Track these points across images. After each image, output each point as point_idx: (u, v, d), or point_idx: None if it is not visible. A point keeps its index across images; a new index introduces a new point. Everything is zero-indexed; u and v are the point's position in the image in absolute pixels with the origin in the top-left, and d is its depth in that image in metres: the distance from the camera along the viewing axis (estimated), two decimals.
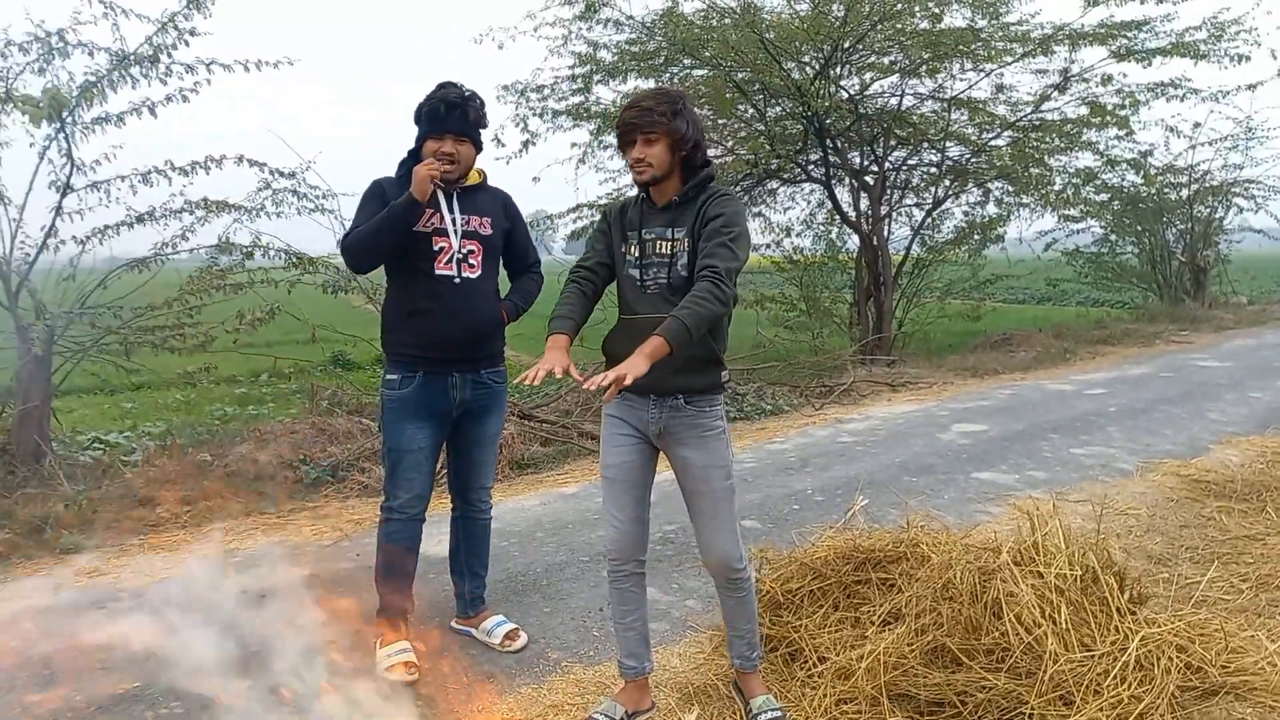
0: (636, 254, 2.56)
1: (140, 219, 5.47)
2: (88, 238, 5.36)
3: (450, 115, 3.00)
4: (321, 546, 4.34)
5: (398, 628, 3.13)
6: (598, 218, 2.76)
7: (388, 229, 2.92)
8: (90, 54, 5.01)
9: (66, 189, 5.17)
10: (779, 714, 2.62)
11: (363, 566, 3.84)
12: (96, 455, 5.70)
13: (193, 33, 5.14)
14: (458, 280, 3.04)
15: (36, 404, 5.18)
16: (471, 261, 3.08)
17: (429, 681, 2.94)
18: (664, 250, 2.53)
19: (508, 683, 2.98)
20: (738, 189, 11.03)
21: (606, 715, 2.65)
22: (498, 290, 3.22)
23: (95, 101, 5.01)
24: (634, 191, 2.70)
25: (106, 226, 5.41)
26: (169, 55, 5.13)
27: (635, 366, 2.21)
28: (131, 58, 5.06)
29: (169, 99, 5.26)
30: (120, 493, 4.97)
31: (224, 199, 5.67)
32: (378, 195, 3.05)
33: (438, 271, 3.03)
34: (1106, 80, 10.00)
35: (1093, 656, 2.49)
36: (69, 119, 5.01)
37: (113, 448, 5.99)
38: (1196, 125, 13.64)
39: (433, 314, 3.03)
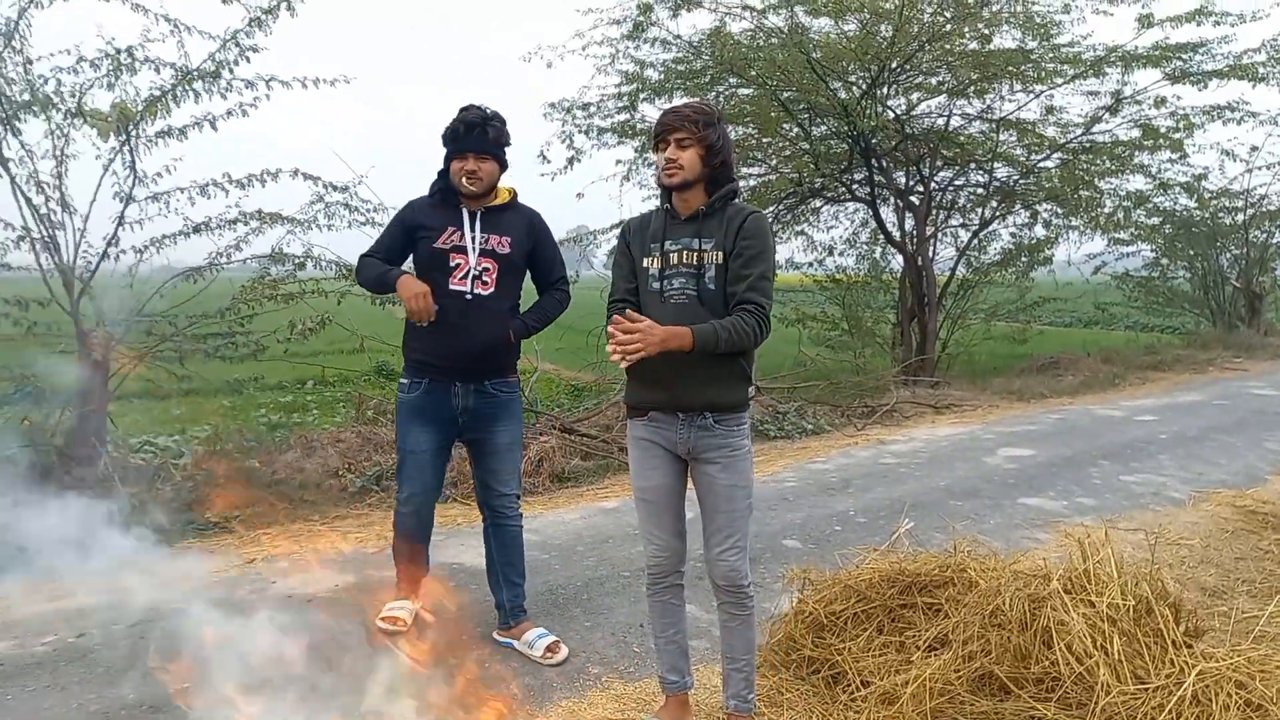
0: (659, 266, 2.54)
1: (197, 229, 5.60)
2: (146, 247, 5.51)
3: (470, 135, 3.16)
4: (366, 555, 4.39)
5: (405, 590, 3.50)
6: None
7: (378, 285, 3.32)
8: (156, 70, 5.17)
9: (129, 200, 5.32)
10: None
11: None
12: (147, 458, 5.83)
13: (254, 49, 5.28)
14: (469, 296, 3.19)
15: (94, 408, 5.32)
16: (486, 279, 3.21)
17: (472, 692, 2.96)
18: (689, 260, 2.51)
19: (549, 696, 2.98)
20: (780, 207, 11.03)
21: None
22: (516, 308, 3.36)
23: (159, 115, 5.15)
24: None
25: (164, 236, 5.56)
26: (230, 71, 5.27)
27: (650, 343, 2.28)
28: (195, 73, 5.20)
29: (229, 113, 5.39)
30: (170, 496, 5.08)
31: (278, 211, 5.80)
32: (399, 222, 3.31)
33: (452, 287, 3.18)
34: (1160, 103, 9.86)
35: (1147, 690, 2.43)
36: (134, 132, 5.16)
37: (163, 451, 6.12)
38: (1254, 149, 13.40)
39: (443, 327, 3.19)
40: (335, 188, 5.85)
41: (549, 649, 3.27)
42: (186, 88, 5.19)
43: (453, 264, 3.18)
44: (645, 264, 2.58)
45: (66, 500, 4.75)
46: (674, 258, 2.53)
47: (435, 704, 2.87)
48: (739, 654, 2.64)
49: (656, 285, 2.54)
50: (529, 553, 3.65)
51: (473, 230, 3.21)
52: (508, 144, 3.27)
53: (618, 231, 2.76)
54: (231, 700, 2.86)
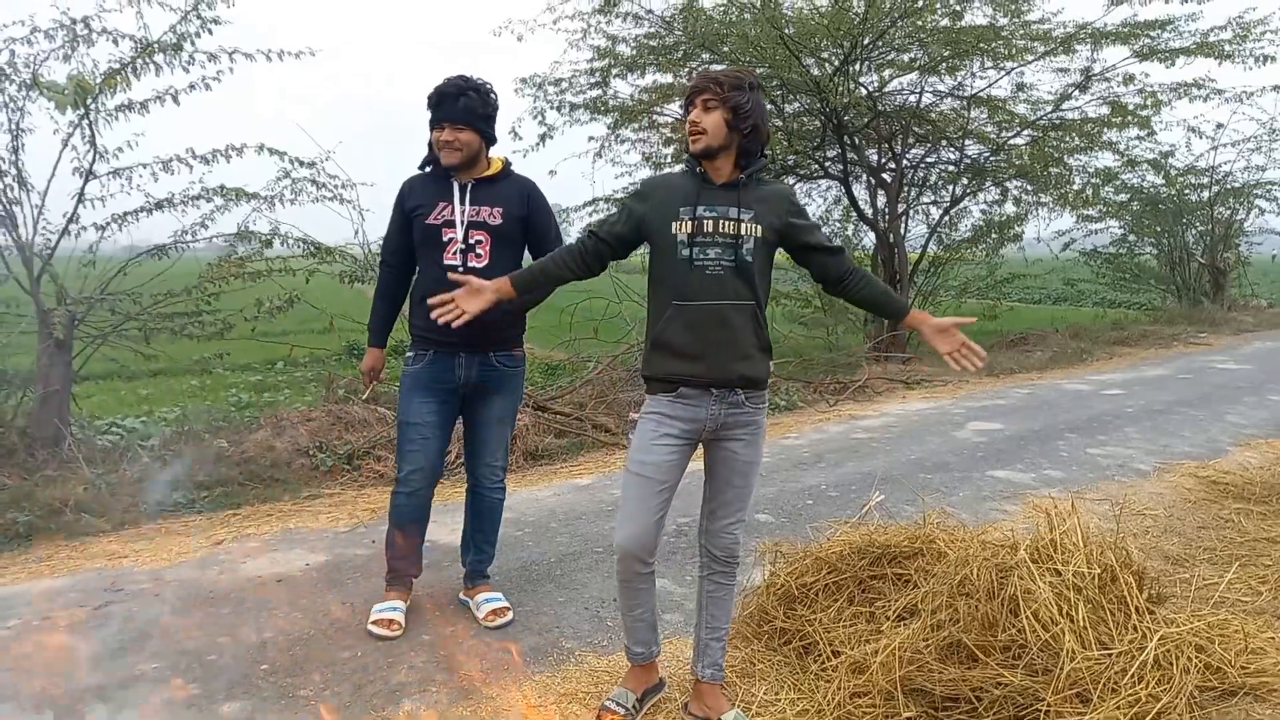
0: (689, 231, 2.44)
1: (160, 206, 5.49)
2: (108, 224, 5.40)
3: (442, 104, 3.13)
4: (337, 533, 4.36)
5: (397, 589, 3.38)
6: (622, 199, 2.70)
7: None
8: (115, 41, 5.04)
9: (89, 175, 5.20)
10: None
11: (377, 554, 3.86)
12: (114, 440, 5.74)
13: (216, 21, 5.17)
14: (461, 270, 3.14)
15: (57, 388, 5.22)
16: (479, 251, 3.18)
17: (443, 666, 2.96)
18: (726, 230, 2.43)
19: (523, 670, 2.98)
20: None
21: (618, 703, 2.65)
22: None
23: (119, 89, 5.03)
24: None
25: (126, 213, 5.44)
26: (192, 44, 5.16)
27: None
28: (155, 45, 5.08)
29: (192, 87, 5.28)
30: (137, 477, 5.01)
31: (241, 187, 5.69)
32: (398, 206, 3.30)
33: (445, 261, 3.16)
34: (1128, 80, 9.93)
35: (1110, 655, 2.47)
36: (93, 106, 5.03)
37: (130, 433, 6.03)
38: (1219, 126, 13.58)
39: None
40: (301, 163, 5.76)
41: (493, 612, 3.32)
42: (147, 60, 5.07)
43: (445, 239, 3.16)
44: (673, 229, 2.46)
45: (30, 483, 4.67)
46: (709, 225, 2.44)
47: (406, 681, 2.87)
48: (721, 624, 2.67)
49: (686, 252, 2.44)
50: (503, 529, 3.64)
51: (462, 204, 3.17)
52: (490, 114, 3.21)
53: (592, 208, 2.68)
54: (196, 679, 2.83)
